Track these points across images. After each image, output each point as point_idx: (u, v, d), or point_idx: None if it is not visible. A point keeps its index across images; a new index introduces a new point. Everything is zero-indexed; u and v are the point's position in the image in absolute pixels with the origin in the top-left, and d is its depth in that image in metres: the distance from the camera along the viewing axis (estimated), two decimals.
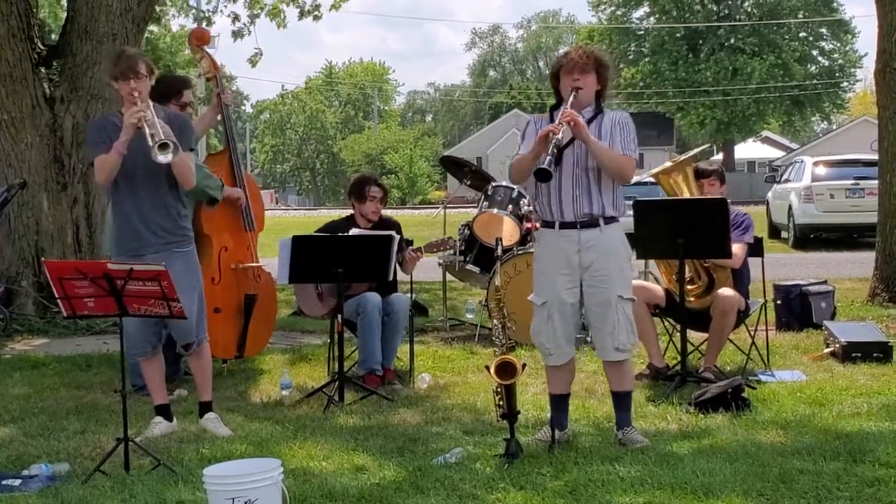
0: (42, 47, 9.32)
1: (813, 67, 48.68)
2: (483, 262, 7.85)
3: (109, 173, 4.89)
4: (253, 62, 13.86)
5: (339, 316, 5.85)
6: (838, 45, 48.46)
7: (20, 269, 8.97)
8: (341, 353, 5.82)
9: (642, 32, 50.29)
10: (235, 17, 14.10)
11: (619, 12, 49.91)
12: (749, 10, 49.41)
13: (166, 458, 4.50)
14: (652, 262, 7.58)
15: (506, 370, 4.46)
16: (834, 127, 53.93)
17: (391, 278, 6.18)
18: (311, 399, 5.79)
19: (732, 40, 47.41)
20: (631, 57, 49.83)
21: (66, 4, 11.75)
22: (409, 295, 6.75)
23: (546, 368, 4.90)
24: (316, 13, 13.48)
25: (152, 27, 15.02)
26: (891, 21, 9.11)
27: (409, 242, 6.68)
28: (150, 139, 4.65)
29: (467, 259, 7.95)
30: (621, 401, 4.84)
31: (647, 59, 48.19)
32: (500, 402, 4.54)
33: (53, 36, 11.46)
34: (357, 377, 6.12)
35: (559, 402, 4.84)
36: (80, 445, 4.89)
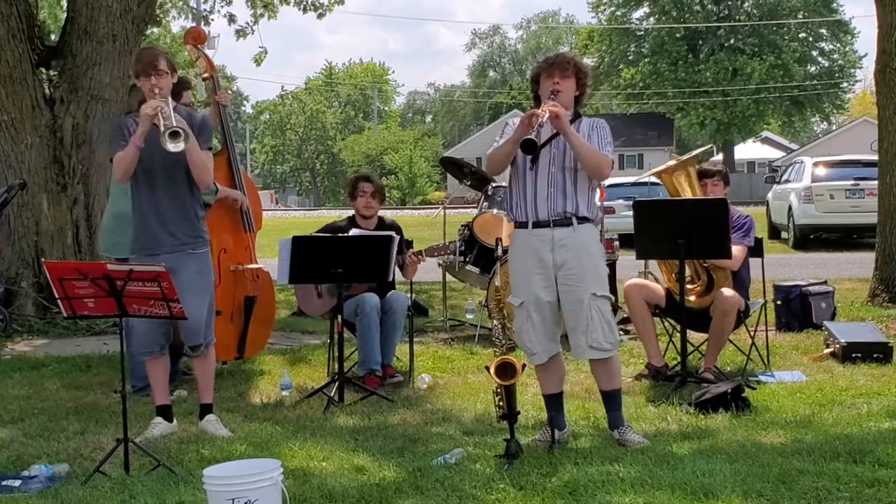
0: (42, 48, 9.32)
1: (813, 68, 48.73)
2: (483, 262, 7.85)
3: (127, 168, 4.91)
4: (258, 61, 13.98)
5: (339, 316, 5.85)
6: (838, 45, 48.51)
7: (20, 270, 8.97)
8: (341, 353, 5.82)
9: (642, 33, 50.32)
10: (231, 18, 14.14)
11: (618, 13, 49.93)
12: (749, 10, 49.45)
13: (166, 459, 4.50)
14: (652, 262, 7.58)
15: (505, 371, 4.47)
16: (834, 127, 54.03)
17: (391, 279, 6.19)
18: (311, 399, 5.79)
19: (732, 41, 47.45)
20: (631, 57, 49.88)
21: (66, 5, 11.75)
22: (406, 293, 6.75)
23: (535, 369, 4.90)
24: (320, 10, 13.53)
25: (153, 28, 15.05)
26: (890, 21, 9.11)
27: (410, 243, 6.68)
28: (162, 127, 4.68)
29: (467, 259, 7.95)
30: (611, 399, 4.82)
31: (646, 60, 48.22)
32: (500, 403, 4.54)
33: (53, 37, 11.45)
34: (357, 378, 6.12)
35: (553, 402, 4.84)
36: (79, 446, 4.88)
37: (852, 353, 6.56)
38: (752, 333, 6.57)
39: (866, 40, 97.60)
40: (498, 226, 7.55)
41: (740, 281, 6.30)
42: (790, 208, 17.32)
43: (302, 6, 13.59)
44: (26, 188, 8.76)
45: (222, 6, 14.20)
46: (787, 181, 18.48)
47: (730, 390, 5.33)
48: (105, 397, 5.94)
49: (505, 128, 4.80)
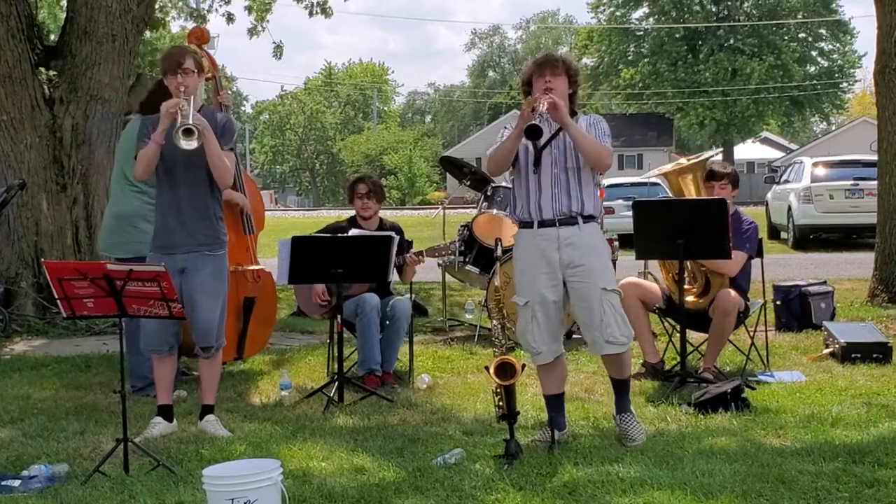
0: (41, 48, 9.32)
1: (812, 68, 48.73)
2: (482, 262, 7.85)
3: (147, 164, 4.93)
4: (277, 53, 14.35)
5: (339, 316, 5.85)
6: (837, 45, 48.50)
7: (20, 270, 8.97)
8: (340, 353, 5.82)
9: (641, 33, 50.32)
10: (230, 17, 14.16)
11: (618, 13, 49.93)
12: (748, 10, 49.46)
13: (166, 459, 4.50)
14: (652, 263, 7.59)
15: (505, 371, 4.47)
16: (833, 128, 54.04)
17: (390, 279, 6.19)
18: (311, 399, 5.79)
19: (732, 41, 47.45)
20: (630, 57, 49.89)
21: (65, 5, 11.75)
22: (409, 297, 6.75)
23: (537, 369, 4.91)
24: (327, 11, 13.58)
25: (149, 31, 15.12)
26: (890, 22, 9.11)
27: (410, 244, 6.68)
28: (178, 124, 4.70)
29: (467, 259, 7.95)
30: (620, 385, 4.88)
31: (646, 60, 48.22)
32: (500, 403, 4.55)
33: (53, 37, 11.46)
34: (356, 378, 6.12)
35: (554, 402, 4.84)
36: (79, 446, 4.88)
37: (852, 354, 6.56)
38: (751, 333, 6.57)
39: (866, 40, 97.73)
40: (497, 226, 7.55)
41: (740, 281, 6.29)
42: (790, 208, 17.33)
43: (308, 10, 13.63)
44: (26, 188, 8.76)
45: (221, 5, 14.24)
46: (787, 181, 18.49)
47: (729, 390, 5.33)
48: (104, 397, 5.94)
49: (503, 131, 4.81)
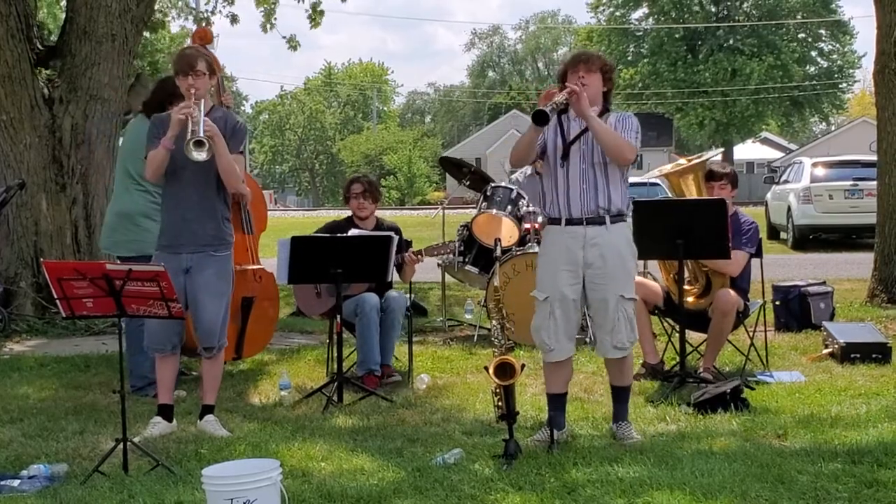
0: (41, 48, 9.31)
1: (812, 68, 48.71)
2: (482, 262, 7.85)
3: (157, 168, 4.96)
4: (293, 46, 14.54)
5: (338, 316, 5.85)
6: (837, 46, 48.48)
7: (19, 270, 8.96)
8: (340, 353, 5.82)
9: (641, 33, 50.30)
10: (234, 19, 14.15)
11: (617, 13, 49.92)
12: (748, 11, 49.44)
13: (165, 459, 4.50)
14: (652, 263, 7.59)
15: (504, 371, 4.47)
16: (833, 128, 53.98)
17: (390, 279, 6.19)
18: (310, 399, 5.79)
19: (731, 41, 47.43)
20: (630, 58, 49.83)
21: (65, 5, 11.75)
22: (404, 293, 6.75)
23: (544, 367, 4.91)
24: (314, 17, 13.57)
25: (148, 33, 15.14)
26: (889, 22, 9.11)
27: (409, 243, 6.68)
28: (189, 134, 4.72)
29: (466, 259, 7.95)
30: (620, 394, 4.91)
31: (645, 60, 48.20)
32: (499, 403, 4.55)
33: (52, 37, 11.45)
34: (356, 378, 6.12)
35: (557, 402, 4.85)
36: (78, 446, 4.88)
37: (851, 354, 6.56)
38: (751, 334, 6.57)
39: (865, 41, 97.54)
40: (497, 226, 7.55)
41: (740, 281, 6.29)
42: (789, 209, 17.33)
43: (310, 17, 13.64)
44: (25, 188, 8.76)
45: (224, 6, 14.23)
46: (786, 182, 18.49)
47: (729, 390, 5.33)
48: (104, 397, 5.94)
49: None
